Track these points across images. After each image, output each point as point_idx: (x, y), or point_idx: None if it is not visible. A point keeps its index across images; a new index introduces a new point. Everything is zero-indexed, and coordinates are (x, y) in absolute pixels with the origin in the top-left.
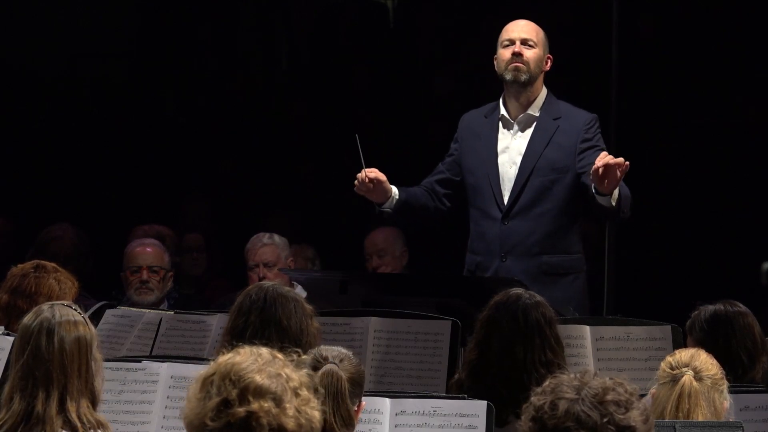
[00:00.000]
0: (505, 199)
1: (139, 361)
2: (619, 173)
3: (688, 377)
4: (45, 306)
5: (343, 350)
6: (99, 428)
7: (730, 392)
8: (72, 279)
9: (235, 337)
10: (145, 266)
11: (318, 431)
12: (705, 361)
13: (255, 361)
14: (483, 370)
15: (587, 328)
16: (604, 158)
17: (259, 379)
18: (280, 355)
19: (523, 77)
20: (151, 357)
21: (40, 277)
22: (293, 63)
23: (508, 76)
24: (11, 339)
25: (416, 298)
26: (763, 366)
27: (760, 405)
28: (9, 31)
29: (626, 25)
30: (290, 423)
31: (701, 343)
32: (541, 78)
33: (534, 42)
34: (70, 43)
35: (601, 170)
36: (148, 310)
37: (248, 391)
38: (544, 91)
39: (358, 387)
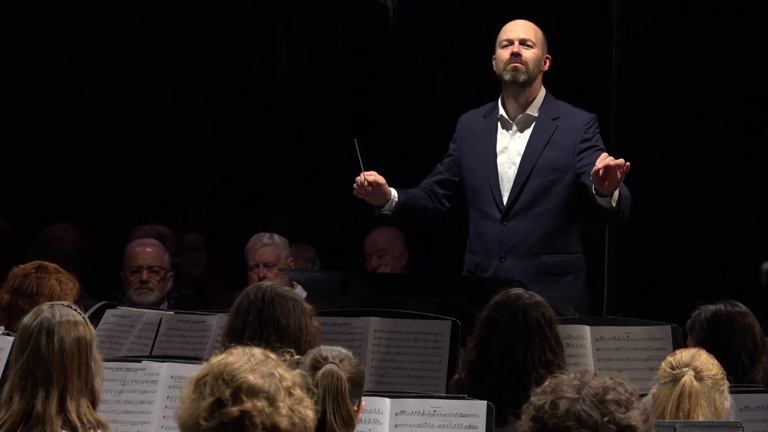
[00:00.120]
0: (505, 200)
1: (139, 361)
2: (619, 174)
3: (688, 377)
4: (45, 306)
5: (343, 350)
6: (99, 428)
7: (731, 392)
8: (73, 280)
9: (234, 338)
10: (145, 266)
11: (312, 430)
12: (706, 361)
13: (248, 361)
14: (483, 370)
15: (587, 328)
16: (604, 159)
17: (252, 378)
18: (272, 355)
19: (522, 77)
20: (151, 357)
21: (42, 277)
22: (293, 63)
23: (507, 77)
24: (11, 339)
25: (416, 298)
26: (764, 366)
27: (760, 405)
28: (9, 31)
29: (626, 25)
30: (284, 422)
31: (701, 343)
32: (539, 78)
33: (532, 42)
34: (70, 43)
35: (601, 172)
36: (148, 310)
37: (241, 390)
38: (542, 91)
39: (358, 387)
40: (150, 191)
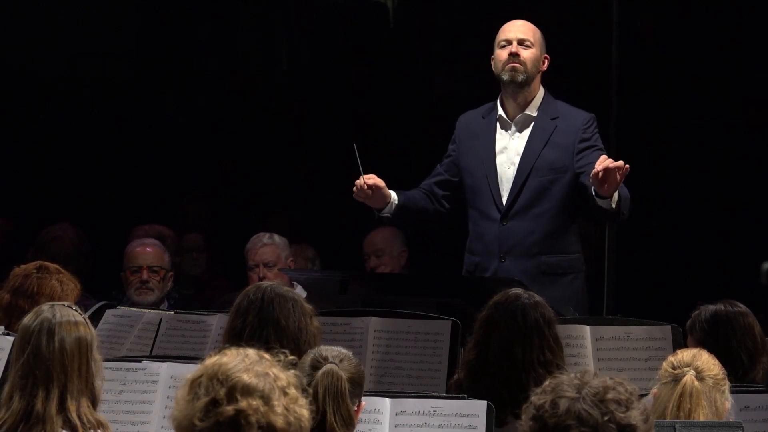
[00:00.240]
0: (504, 200)
1: (139, 361)
2: (618, 176)
3: (689, 377)
4: (45, 306)
5: (343, 350)
6: (99, 428)
7: (731, 392)
8: (74, 280)
9: (234, 338)
10: (145, 266)
11: (307, 430)
12: (707, 361)
13: (242, 361)
14: (482, 370)
15: (587, 328)
16: (603, 162)
17: (246, 377)
18: (267, 356)
19: (520, 77)
20: (151, 357)
21: (43, 277)
22: (293, 63)
23: (505, 77)
24: (11, 339)
25: (416, 298)
26: (764, 366)
27: (760, 405)
28: (9, 31)
29: (626, 25)
30: (279, 421)
31: (701, 343)
32: (538, 78)
33: (531, 42)
34: (70, 43)
35: (600, 174)
36: (148, 310)
37: (236, 389)
38: (541, 91)
39: (358, 387)
40: (150, 191)
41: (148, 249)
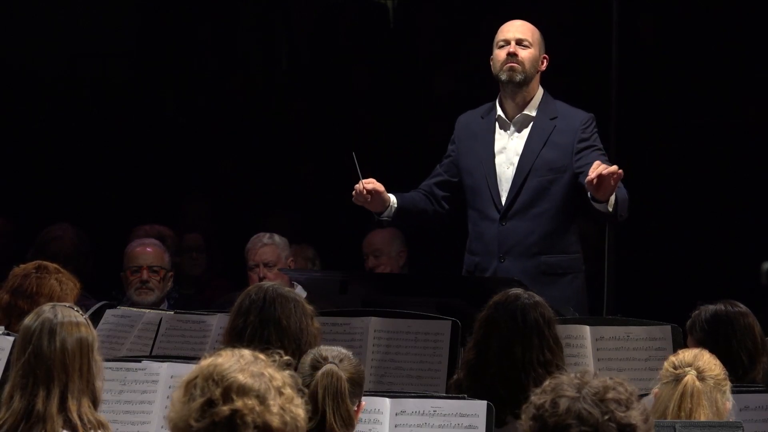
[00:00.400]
0: (503, 200)
1: (139, 361)
2: (612, 182)
3: (690, 377)
4: (47, 307)
5: (343, 350)
6: (99, 428)
7: (731, 392)
8: (74, 280)
9: (235, 338)
10: (145, 266)
11: (303, 429)
12: (708, 361)
13: (237, 361)
14: (481, 370)
15: (587, 328)
16: (597, 168)
17: (242, 378)
18: (262, 356)
19: (518, 77)
20: (151, 357)
21: (42, 277)
22: (293, 63)
23: (503, 77)
24: (11, 339)
25: (416, 298)
26: (764, 366)
27: (761, 405)
28: (9, 31)
29: (626, 25)
30: (275, 420)
31: (702, 343)
32: (537, 78)
33: (529, 42)
34: (70, 43)
35: (595, 181)
36: (148, 310)
37: (231, 390)
38: (540, 91)
39: (358, 387)
40: (150, 191)
41: (148, 249)
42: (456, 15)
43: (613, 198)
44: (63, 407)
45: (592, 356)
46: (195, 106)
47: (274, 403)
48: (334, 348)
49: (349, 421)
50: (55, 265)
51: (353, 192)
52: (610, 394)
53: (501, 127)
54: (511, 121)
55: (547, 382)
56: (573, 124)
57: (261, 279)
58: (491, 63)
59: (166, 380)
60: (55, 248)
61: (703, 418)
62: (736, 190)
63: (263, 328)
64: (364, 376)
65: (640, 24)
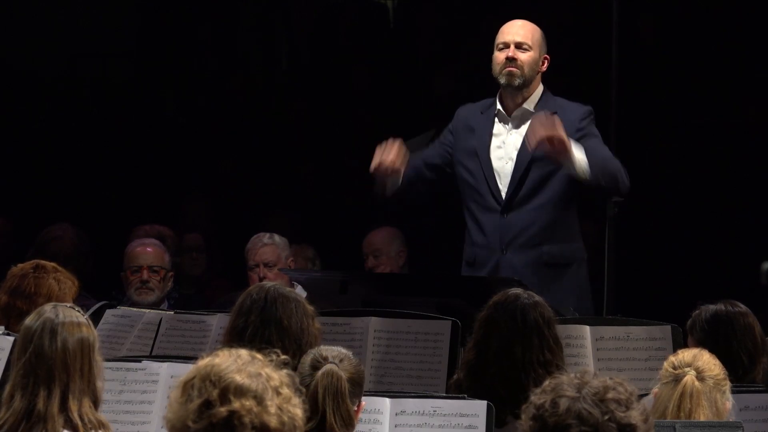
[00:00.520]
0: (503, 193)
1: (139, 361)
2: (552, 139)
3: (690, 377)
4: (48, 307)
5: (343, 350)
6: (100, 428)
7: (731, 392)
8: (72, 278)
9: (236, 337)
10: (145, 266)
11: (301, 429)
12: (708, 361)
13: (234, 361)
14: (481, 370)
15: (587, 328)
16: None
17: (239, 378)
18: (259, 356)
19: (517, 81)
20: (151, 357)
21: (40, 277)
22: (293, 63)
23: (502, 80)
24: (11, 339)
25: (416, 298)
26: (764, 366)
27: (760, 405)
28: (9, 31)
29: (626, 25)
30: (273, 421)
31: (702, 344)
32: (537, 78)
33: (529, 45)
34: (70, 43)
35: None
36: (148, 310)
37: (229, 390)
38: (540, 89)
39: (358, 387)
40: (150, 191)
41: (149, 249)
42: (456, 15)
43: (584, 164)
44: (64, 407)
45: (592, 356)
46: (195, 106)
47: (272, 404)
48: (334, 348)
49: (349, 421)
50: (53, 264)
51: (377, 161)
52: (610, 394)
53: (500, 122)
54: (510, 117)
55: (547, 382)
56: (571, 117)
57: (261, 279)
58: (492, 63)
59: (166, 380)
60: (55, 248)
61: (702, 419)
62: (736, 190)
63: (264, 328)
64: (364, 376)
65: (640, 24)
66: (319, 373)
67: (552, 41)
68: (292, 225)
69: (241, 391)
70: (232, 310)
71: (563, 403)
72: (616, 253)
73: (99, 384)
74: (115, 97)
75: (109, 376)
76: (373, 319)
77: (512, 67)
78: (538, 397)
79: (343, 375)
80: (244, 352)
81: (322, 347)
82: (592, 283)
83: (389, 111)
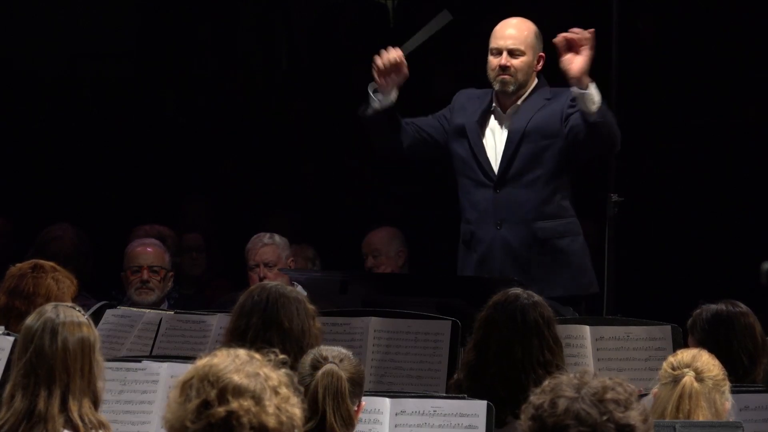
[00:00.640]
0: (496, 168)
1: (139, 361)
2: (585, 48)
3: (689, 378)
4: (49, 306)
5: (343, 350)
6: (100, 428)
7: (731, 392)
8: (71, 277)
9: (237, 338)
10: (145, 266)
11: (300, 429)
12: (707, 361)
13: (233, 361)
14: (481, 371)
15: (587, 328)
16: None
17: (237, 378)
18: (257, 356)
19: (511, 88)
20: (151, 357)
21: (38, 277)
22: (293, 63)
23: (497, 86)
24: (11, 339)
25: (416, 298)
26: (764, 367)
27: (760, 405)
28: (9, 31)
29: (626, 25)
30: (271, 421)
31: (702, 343)
32: (532, 76)
33: (521, 50)
34: (70, 43)
35: (564, 43)
36: (148, 310)
37: (227, 390)
38: (535, 82)
39: (358, 387)
40: (150, 191)
41: (149, 249)
42: (456, 15)
43: (596, 96)
44: (64, 407)
45: (592, 356)
46: (195, 106)
47: (270, 404)
48: (334, 348)
49: (349, 421)
50: (51, 264)
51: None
52: (609, 395)
53: (495, 118)
54: (505, 114)
55: (546, 382)
56: (562, 98)
57: (261, 279)
58: (487, 66)
59: (166, 380)
60: (55, 248)
61: (701, 419)
62: (736, 190)
63: (266, 330)
64: (364, 376)
65: (640, 24)
66: (319, 373)
67: (552, 41)
68: (292, 225)
69: (239, 391)
70: (233, 310)
71: (562, 404)
72: (616, 253)
73: (100, 384)
74: (115, 97)
75: (109, 376)
76: (373, 319)
77: (506, 75)
78: (537, 397)
79: (343, 375)
80: (242, 352)
81: (322, 347)
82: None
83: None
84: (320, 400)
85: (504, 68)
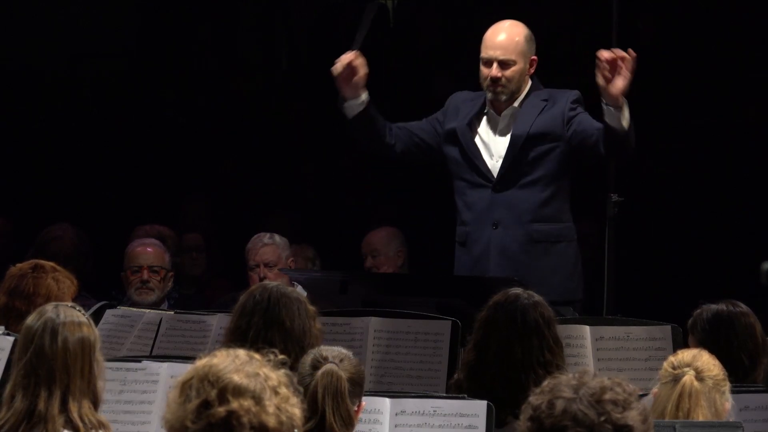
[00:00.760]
0: (492, 169)
1: (139, 361)
2: (625, 70)
3: (689, 377)
4: (49, 306)
5: (343, 350)
6: (100, 428)
7: (731, 392)
8: (71, 277)
9: (238, 338)
10: (145, 266)
11: (300, 429)
12: (707, 361)
13: (232, 362)
14: (481, 371)
15: (587, 328)
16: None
17: (237, 378)
18: (257, 356)
19: (503, 97)
20: (151, 357)
21: (38, 277)
22: (293, 63)
23: (489, 95)
24: (11, 339)
25: (416, 298)
26: (765, 367)
27: (761, 405)
28: (9, 31)
29: (626, 25)
30: (271, 421)
31: (702, 343)
32: (526, 80)
33: (512, 60)
34: (70, 43)
35: (607, 63)
36: (148, 310)
37: (227, 390)
38: (528, 85)
39: (358, 387)
40: (150, 191)
41: (149, 249)
42: (456, 15)
43: (627, 112)
44: (64, 407)
45: (592, 356)
46: (195, 106)
47: (270, 404)
48: (334, 348)
49: (349, 421)
50: (51, 264)
51: (336, 66)
52: (608, 395)
53: (489, 120)
54: (499, 116)
55: (545, 383)
56: (561, 100)
57: (261, 279)
58: (479, 73)
59: (166, 380)
60: (55, 248)
61: (701, 419)
62: (736, 190)
63: (267, 330)
64: (364, 376)
65: (640, 24)
66: (319, 372)
67: (552, 41)
68: (292, 225)
69: (239, 391)
70: (234, 310)
71: (559, 404)
72: (616, 253)
73: (100, 384)
74: (115, 97)
75: (109, 376)
76: (373, 319)
77: (497, 85)
78: (535, 397)
79: (343, 375)
80: (242, 352)
81: (322, 347)
82: (593, 283)
83: (389, 111)
84: (320, 400)
85: (495, 80)
